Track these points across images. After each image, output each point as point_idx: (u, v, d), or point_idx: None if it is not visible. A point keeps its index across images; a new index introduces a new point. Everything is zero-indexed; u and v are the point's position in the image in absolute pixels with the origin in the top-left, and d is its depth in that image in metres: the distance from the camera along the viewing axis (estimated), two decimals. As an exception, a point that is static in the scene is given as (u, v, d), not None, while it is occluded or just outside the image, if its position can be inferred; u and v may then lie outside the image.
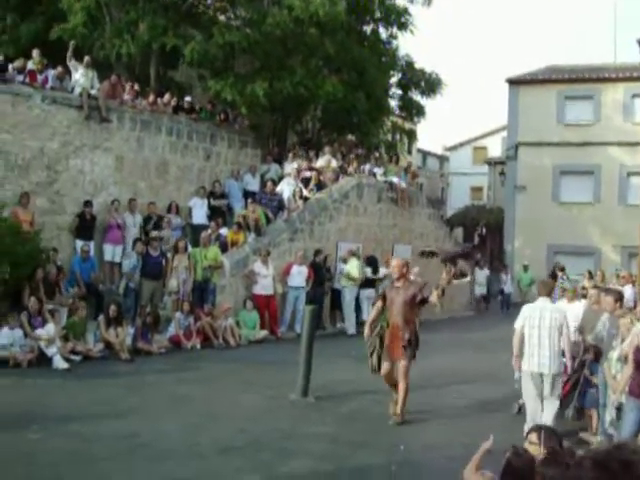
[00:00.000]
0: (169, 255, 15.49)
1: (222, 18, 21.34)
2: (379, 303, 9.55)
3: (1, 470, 6.62)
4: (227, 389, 10.70)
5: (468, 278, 22.00)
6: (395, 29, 24.70)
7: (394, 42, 25.34)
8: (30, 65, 16.33)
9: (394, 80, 25.91)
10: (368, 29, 24.75)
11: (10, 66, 15.82)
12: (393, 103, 26.33)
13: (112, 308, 13.00)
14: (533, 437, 4.85)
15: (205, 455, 7.42)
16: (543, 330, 8.53)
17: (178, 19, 20.49)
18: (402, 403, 9.22)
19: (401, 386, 9.19)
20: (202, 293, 15.51)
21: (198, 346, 14.18)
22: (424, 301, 9.33)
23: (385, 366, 9.17)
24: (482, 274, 25.84)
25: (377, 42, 24.60)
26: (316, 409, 9.76)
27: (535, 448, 4.69)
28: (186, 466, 7.03)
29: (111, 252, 15.85)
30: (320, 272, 17.63)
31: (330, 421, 9.16)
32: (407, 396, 9.24)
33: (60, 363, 11.55)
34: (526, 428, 7.71)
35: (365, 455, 7.80)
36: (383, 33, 25.08)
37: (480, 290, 25.68)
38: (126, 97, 17.56)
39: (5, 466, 6.73)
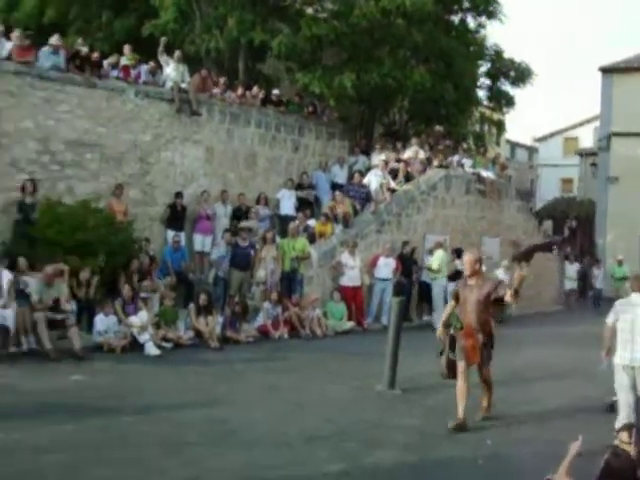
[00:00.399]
0: (257, 246, 15.72)
1: (309, 11, 21.45)
2: (452, 302, 9.08)
3: (96, 452, 6.86)
4: (314, 379, 10.79)
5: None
6: (484, 18, 24.33)
7: (482, 31, 24.98)
8: (124, 61, 16.79)
9: (483, 70, 25.53)
10: (456, 19, 24.43)
11: (105, 62, 16.30)
12: (481, 93, 25.96)
13: (202, 297, 13.30)
14: (624, 436, 4.72)
15: (292, 444, 7.50)
16: (636, 326, 8.33)
17: (266, 13, 20.72)
18: (489, 398, 8.99)
19: (486, 384, 8.91)
20: (290, 283, 15.69)
21: (285, 336, 14.35)
22: (499, 300, 8.63)
23: (460, 366, 8.58)
24: (572, 268, 25.21)
25: (465, 31, 24.26)
26: (402, 401, 9.75)
27: (626, 447, 4.56)
28: (274, 454, 7.13)
29: (201, 242, 16.21)
30: (407, 264, 17.59)
31: (416, 413, 9.13)
32: (492, 392, 9.01)
33: (152, 350, 11.88)
34: (618, 424, 7.55)
35: (451, 448, 7.75)
36: (471, 22, 24.73)
37: (570, 284, 25.07)
38: (215, 90, 17.89)
39: (100, 448, 6.98)
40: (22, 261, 12.00)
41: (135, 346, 11.98)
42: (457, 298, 8.89)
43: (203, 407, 8.75)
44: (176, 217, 15.92)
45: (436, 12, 21.49)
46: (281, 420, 8.41)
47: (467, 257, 9.00)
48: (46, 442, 7.03)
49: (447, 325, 8.96)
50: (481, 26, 24.72)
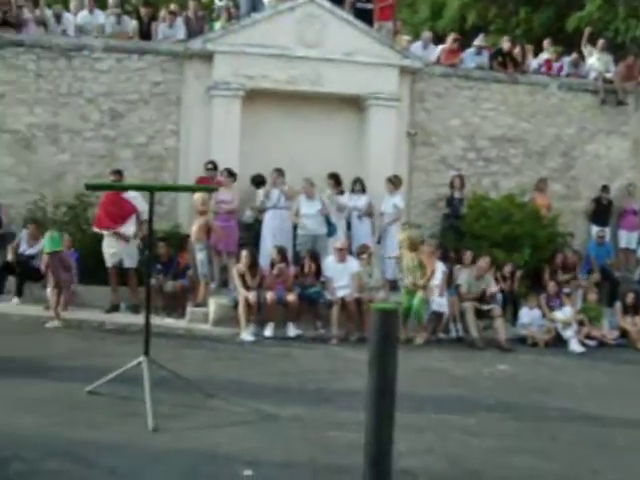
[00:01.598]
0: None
1: None
2: None
3: (520, 441, 6.89)
4: None
5: None
6: None
7: None
8: (545, 54, 16.86)
9: None
10: None
11: (526, 57, 16.50)
12: None
13: (630, 296, 12.84)
14: None
15: None
16: None
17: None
18: None
19: None
20: None
21: None
22: None
23: None
24: None
25: None
26: None
27: None
28: None
29: (626, 238, 15.58)
30: None
31: None
32: None
33: (576, 346, 11.81)
34: None
35: None
36: None
37: None
38: (642, 78, 17.02)
39: (525, 438, 7.02)
40: (468, 254, 12.77)
41: (558, 341, 12.02)
42: None
43: (631, 409, 8.39)
44: (601, 211, 15.51)
45: None
46: None
47: None
48: (475, 426, 7.30)
49: None
50: None
